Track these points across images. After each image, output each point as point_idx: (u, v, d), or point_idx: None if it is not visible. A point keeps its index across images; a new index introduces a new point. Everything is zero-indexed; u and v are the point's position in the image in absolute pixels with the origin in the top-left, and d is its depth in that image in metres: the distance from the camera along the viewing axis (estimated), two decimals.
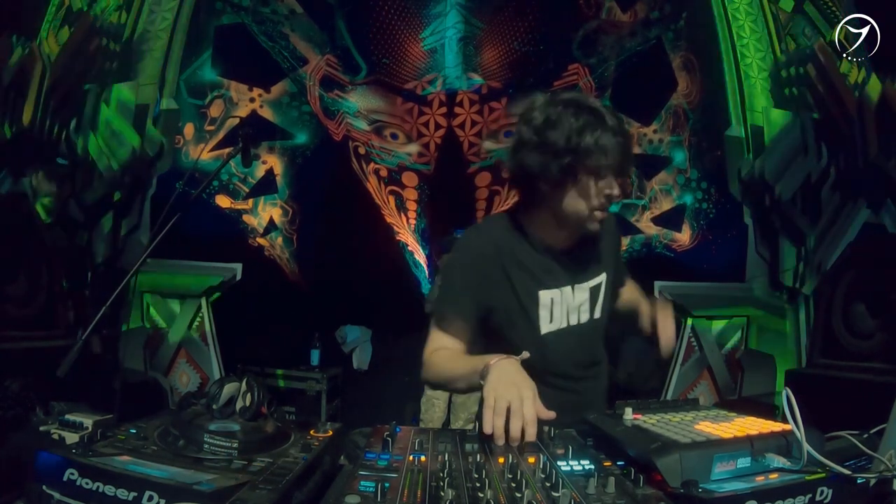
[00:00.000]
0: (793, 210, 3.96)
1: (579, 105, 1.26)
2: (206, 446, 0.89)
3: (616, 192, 1.26)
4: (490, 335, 1.39)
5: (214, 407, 0.96)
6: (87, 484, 0.74)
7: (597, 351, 1.49)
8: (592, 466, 0.89)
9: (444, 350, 1.32)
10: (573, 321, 1.39)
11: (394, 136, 5.16)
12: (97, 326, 1.59)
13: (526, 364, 1.16)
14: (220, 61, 4.48)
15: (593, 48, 4.87)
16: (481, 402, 1.08)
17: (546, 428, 1.09)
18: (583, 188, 1.24)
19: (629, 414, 1.07)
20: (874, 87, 3.48)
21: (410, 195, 5.29)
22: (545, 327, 1.37)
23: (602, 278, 1.43)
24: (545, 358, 1.34)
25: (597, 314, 1.43)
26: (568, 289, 1.38)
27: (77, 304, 2.60)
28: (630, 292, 1.64)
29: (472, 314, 1.34)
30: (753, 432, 0.92)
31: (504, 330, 1.37)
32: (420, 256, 5.29)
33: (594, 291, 1.42)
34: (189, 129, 4.41)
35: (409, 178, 5.26)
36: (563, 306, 1.37)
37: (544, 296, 1.35)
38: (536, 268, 1.36)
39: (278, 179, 4.83)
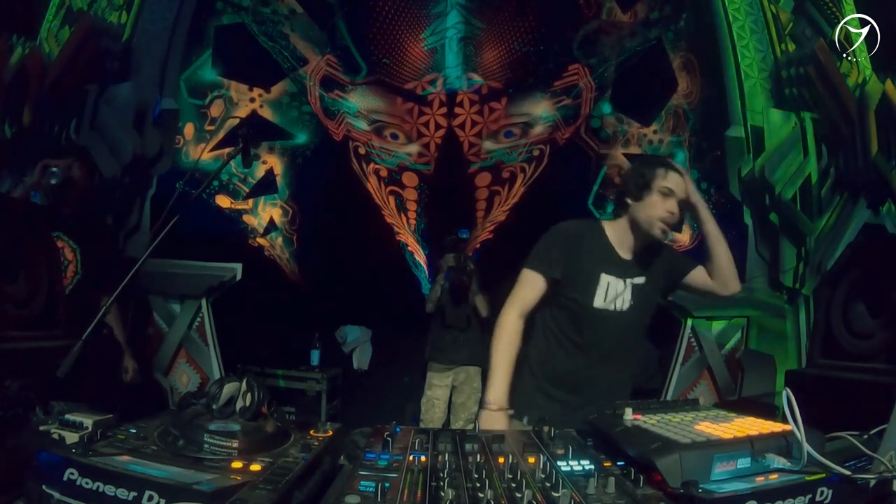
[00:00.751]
0: (793, 210, 3.96)
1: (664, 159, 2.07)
2: (206, 446, 0.89)
3: (675, 210, 1.74)
4: (559, 299, 1.80)
5: (214, 407, 0.96)
6: (87, 484, 0.74)
7: (630, 338, 1.86)
8: (592, 466, 0.90)
9: (511, 333, 1.77)
10: (618, 306, 1.79)
11: (394, 137, 5.16)
12: (97, 326, 1.59)
13: (576, 334, 1.79)
14: (220, 61, 4.48)
15: (593, 48, 4.87)
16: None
17: (546, 428, 1.09)
18: (652, 203, 1.74)
19: (629, 414, 1.07)
20: (874, 87, 3.48)
21: (410, 195, 5.29)
22: (598, 302, 1.77)
23: (642, 280, 1.81)
24: (593, 327, 1.78)
25: (634, 306, 1.80)
26: (622, 281, 1.79)
27: (77, 304, 2.60)
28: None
29: (551, 269, 1.80)
30: (753, 433, 0.92)
31: (568, 295, 1.78)
32: (420, 256, 5.29)
33: (635, 289, 1.80)
34: (189, 129, 4.41)
35: (409, 179, 5.26)
36: (614, 292, 1.78)
37: (604, 278, 1.78)
38: (605, 258, 1.80)
39: (278, 179, 4.83)
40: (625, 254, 1.83)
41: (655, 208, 1.73)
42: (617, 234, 1.84)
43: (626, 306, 1.80)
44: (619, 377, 1.84)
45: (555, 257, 1.80)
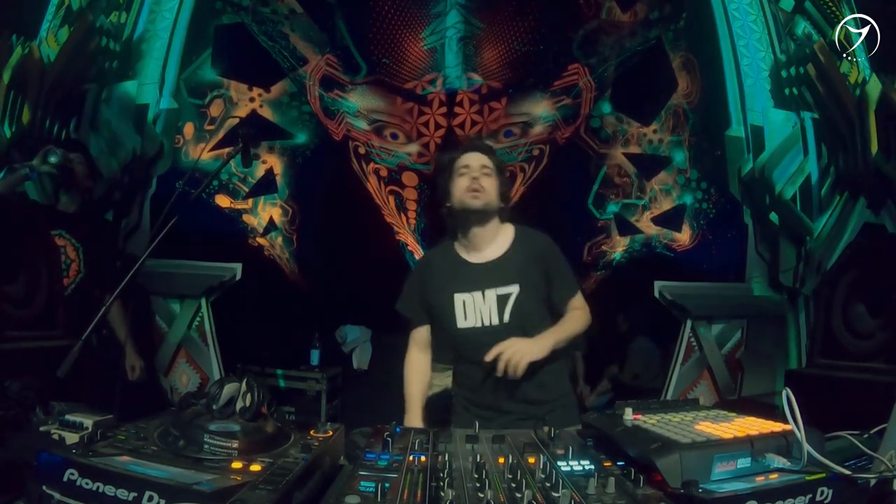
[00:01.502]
0: (793, 210, 3.96)
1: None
2: (206, 446, 0.89)
3: (477, 175, 1.73)
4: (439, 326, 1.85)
5: (214, 407, 0.96)
6: (87, 484, 0.74)
7: None
8: (592, 466, 0.90)
9: (415, 365, 1.94)
10: (486, 321, 1.74)
11: (394, 136, 5.16)
12: (97, 326, 1.58)
13: (451, 350, 1.88)
14: (220, 61, 4.47)
15: (593, 48, 4.86)
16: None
17: (546, 428, 1.09)
18: (456, 184, 1.77)
19: (629, 414, 1.07)
20: (874, 87, 3.48)
21: (410, 195, 5.29)
22: (461, 323, 1.77)
23: (512, 290, 1.73)
24: (463, 347, 1.79)
25: (506, 319, 1.73)
26: (479, 293, 1.75)
27: (80, 303, 2.60)
28: (566, 319, 1.80)
29: (419, 310, 1.88)
30: (753, 432, 0.92)
31: (440, 323, 1.83)
32: (420, 256, 5.29)
33: (502, 299, 1.73)
34: (189, 129, 4.40)
35: (409, 178, 5.26)
36: (475, 308, 1.75)
37: (458, 298, 1.77)
38: (454, 276, 1.79)
39: (278, 179, 4.83)
40: (475, 257, 1.80)
41: (459, 187, 1.75)
42: (460, 243, 1.83)
43: (495, 320, 1.72)
44: (531, 387, 1.71)
45: (408, 295, 1.89)
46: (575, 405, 1.86)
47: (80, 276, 2.68)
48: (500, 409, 1.71)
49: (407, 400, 1.88)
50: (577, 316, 1.78)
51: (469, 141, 1.93)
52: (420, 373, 1.92)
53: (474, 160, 1.77)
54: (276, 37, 4.65)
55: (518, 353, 1.56)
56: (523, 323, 1.71)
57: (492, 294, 1.73)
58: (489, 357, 1.58)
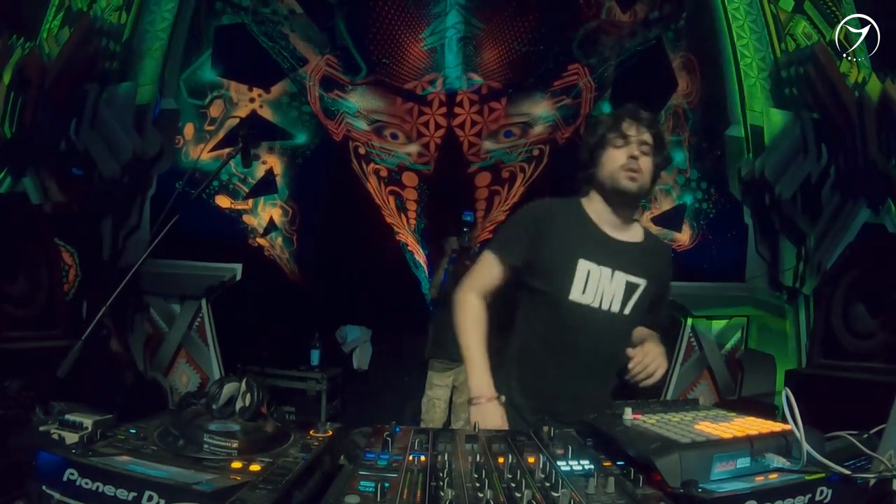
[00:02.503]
0: (793, 210, 3.96)
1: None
2: (206, 446, 0.89)
3: (636, 153, 1.51)
4: (531, 290, 1.56)
5: (214, 407, 0.96)
6: (87, 484, 0.74)
7: (616, 348, 1.53)
8: (592, 466, 0.90)
9: (474, 311, 1.58)
10: (605, 305, 1.51)
11: (394, 136, 5.16)
12: (97, 326, 1.59)
13: (548, 334, 1.53)
14: (220, 61, 4.48)
15: (593, 48, 4.86)
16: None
17: (546, 428, 1.09)
18: (609, 156, 1.54)
19: (629, 414, 1.07)
20: (874, 87, 3.47)
21: (410, 195, 5.29)
22: (576, 295, 1.50)
23: (641, 282, 1.55)
24: (562, 325, 1.51)
25: (626, 311, 1.53)
26: (608, 270, 1.52)
27: (77, 304, 2.60)
28: (647, 332, 1.65)
29: (510, 254, 1.57)
30: (753, 432, 0.92)
31: (540, 286, 1.53)
32: (420, 256, 5.28)
33: (630, 288, 1.53)
34: (189, 129, 4.41)
35: (409, 178, 5.26)
36: (599, 285, 1.50)
37: (583, 265, 1.50)
38: (585, 239, 1.54)
39: (278, 179, 4.83)
40: (611, 231, 1.58)
41: (613, 160, 1.53)
42: (594, 207, 1.60)
43: (615, 307, 1.52)
44: (598, 393, 1.54)
45: (515, 239, 1.57)
46: None
47: (79, 279, 2.68)
48: (555, 410, 1.43)
49: (469, 359, 1.53)
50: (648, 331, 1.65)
51: (632, 108, 1.60)
52: (480, 320, 1.57)
53: (636, 132, 1.53)
54: (276, 37, 4.65)
55: (661, 366, 1.44)
56: (636, 322, 1.56)
57: (622, 277, 1.52)
58: (634, 363, 1.42)
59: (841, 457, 0.91)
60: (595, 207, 1.60)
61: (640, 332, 1.64)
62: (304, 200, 4.91)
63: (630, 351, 1.48)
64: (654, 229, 4.84)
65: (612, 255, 1.53)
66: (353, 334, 4.96)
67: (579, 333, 1.51)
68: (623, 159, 1.51)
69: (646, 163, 1.53)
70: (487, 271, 1.59)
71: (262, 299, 4.30)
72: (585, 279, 1.50)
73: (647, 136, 1.54)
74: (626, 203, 1.57)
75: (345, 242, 4.79)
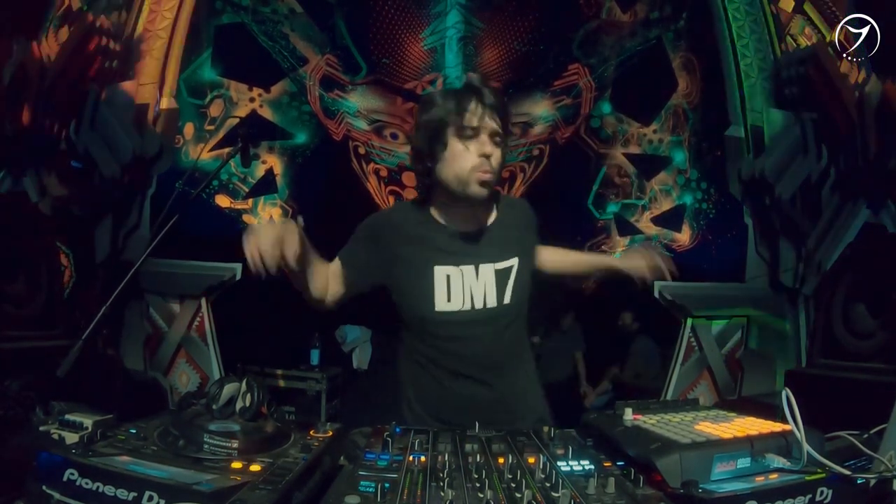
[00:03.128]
0: (793, 210, 3.96)
1: (447, 89, 1.41)
2: (206, 446, 0.89)
3: (488, 150, 1.28)
4: (399, 307, 1.43)
5: (214, 407, 0.96)
6: (87, 484, 0.74)
7: (511, 337, 1.41)
8: (592, 466, 0.90)
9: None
10: (478, 304, 1.35)
11: (394, 136, 5.16)
12: (97, 326, 1.59)
13: (426, 353, 1.37)
14: (220, 61, 4.48)
15: (593, 48, 4.86)
16: None
17: (546, 428, 1.09)
18: (454, 152, 1.29)
19: (629, 414, 1.07)
20: (874, 87, 3.47)
21: (410, 195, 5.29)
22: (441, 305, 1.35)
23: (512, 262, 1.39)
24: (435, 336, 1.37)
25: (507, 299, 1.37)
26: (470, 268, 1.36)
27: (77, 304, 2.60)
28: (554, 252, 1.59)
29: (354, 280, 1.44)
30: (753, 432, 0.92)
31: (403, 308, 1.41)
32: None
33: (502, 274, 1.38)
34: (189, 129, 4.41)
35: (410, 178, 5.26)
36: (465, 286, 1.35)
37: (439, 272, 1.35)
38: (434, 244, 1.37)
39: (278, 179, 4.83)
40: (459, 225, 1.39)
41: (460, 160, 1.29)
42: (442, 210, 1.40)
43: (491, 302, 1.36)
44: (508, 386, 1.39)
45: (352, 250, 1.44)
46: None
47: (73, 280, 2.68)
48: (461, 425, 1.15)
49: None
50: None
51: (475, 81, 1.31)
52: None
53: (485, 122, 1.28)
54: (276, 37, 4.65)
55: (654, 257, 1.40)
56: (522, 302, 1.41)
57: (489, 269, 1.37)
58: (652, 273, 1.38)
59: (841, 457, 0.91)
60: (437, 207, 1.41)
61: (551, 255, 1.58)
62: (304, 200, 4.91)
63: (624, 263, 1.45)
64: (654, 229, 4.84)
65: (468, 251, 1.37)
66: (353, 334, 4.96)
67: (459, 341, 1.36)
68: (473, 159, 1.28)
69: (497, 157, 1.31)
70: (333, 277, 1.45)
71: (262, 299, 4.29)
72: (447, 286, 1.35)
73: (496, 124, 1.29)
74: (475, 203, 1.36)
75: (345, 242, 4.78)
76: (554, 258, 1.59)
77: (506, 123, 1.33)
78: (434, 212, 1.42)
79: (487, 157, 1.28)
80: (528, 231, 1.50)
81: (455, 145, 1.29)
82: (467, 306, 1.35)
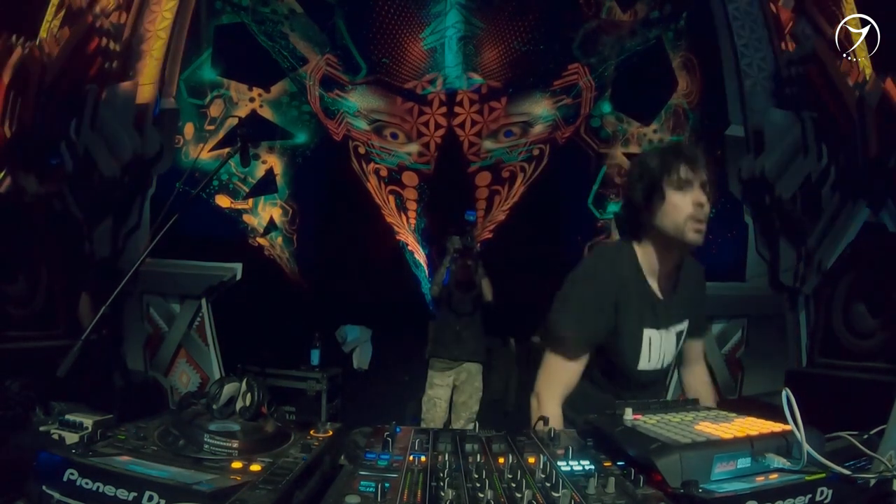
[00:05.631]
0: (793, 210, 3.96)
1: (663, 146, 1.54)
2: (206, 446, 0.89)
3: (702, 200, 1.37)
4: (599, 352, 1.45)
5: (214, 407, 0.96)
6: (87, 484, 0.74)
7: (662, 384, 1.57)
8: (592, 466, 0.90)
9: (556, 414, 1.39)
10: (666, 363, 1.48)
11: (394, 136, 5.16)
12: (97, 326, 1.58)
13: (611, 388, 1.47)
14: (220, 61, 4.48)
15: (593, 48, 4.86)
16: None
17: (546, 427, 1.09)
18: (672, 203, 1.37)
19: (629, 414, 1.07)
20: (874, 87, 3.47)
21: (410, 195, 5.29)
22: (643, 364, 1.44)
23: (685, 326, 1.51)
24: (636, 391, 1.46)
25: (670, 358, 1.50)
26: (664, 331, 1.46)
27: (77, 305, 2.60)
28: (699, 377, 1.68)
29: (597, 336, 1.41)
30: (753, 433, 0.92)
31: (609, 359, 1.45)
32: (420, 256, 5.28)
33: (678, 337, 1.50)
34: (189, 129, 4.41)
35: (409, 178, 5.26)
36: (660, 348, 1.45)
37: (647, 334, 1.43)
38: (644, 304, 1.43)
39: (278, 179, 4.83)
40: (662, 296, 1.47)
41: (678, 209, 1.36)
42: (646, 257, 1.45)
43: (668, 361, 1.49)
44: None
45: (589, 316, 1.39)
46: None
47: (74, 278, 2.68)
48: None
49: None
50: (706, 384, 1.66)
51: (685, 147, 1.43)
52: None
53: (699, 175, 1.37)
54: (276, 37, 4.65)
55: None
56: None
57: (673, 332, 1.48)
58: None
59: (841, 457, 0.91)
60: (647, 258, 1.46)
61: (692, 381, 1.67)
62: (304, 200, 4.92)
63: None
64: None
65: (664, 311, 1.46)
66: (353, 334, 4.96)
67: (641, 389, 1.48)
68: (689, 208, 1.36)
69: (708, 208, 1.38)
70: (564, 372, 1.42)
71: (262, 299, 4.30)
72: (649, 347, 1.44)
73: (706, 175, 1.39)
74: (683, 252, 1.46)
75: (345, 242, 4.79)
76: (689, 381, 1.69)
77: (711, 174, 1.41)
78: (642, 261, 1.46)
79: (702, 205, 1.37)
80: (698, 295, 1.58)
81: (672, 196, 1.38)
82: (658, 366, 1.47)
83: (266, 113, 4.75)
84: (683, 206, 1.36)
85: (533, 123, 5.16)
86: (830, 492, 0.82)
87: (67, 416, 0.97)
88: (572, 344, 1.41)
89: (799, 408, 0.86)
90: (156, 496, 0.70)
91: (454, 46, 4.89)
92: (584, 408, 1.40)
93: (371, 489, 0.76)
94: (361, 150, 5.16)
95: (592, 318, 1.39)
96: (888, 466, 0.88)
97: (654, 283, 1.46)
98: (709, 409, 1.18)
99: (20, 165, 3.32)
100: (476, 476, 0.85)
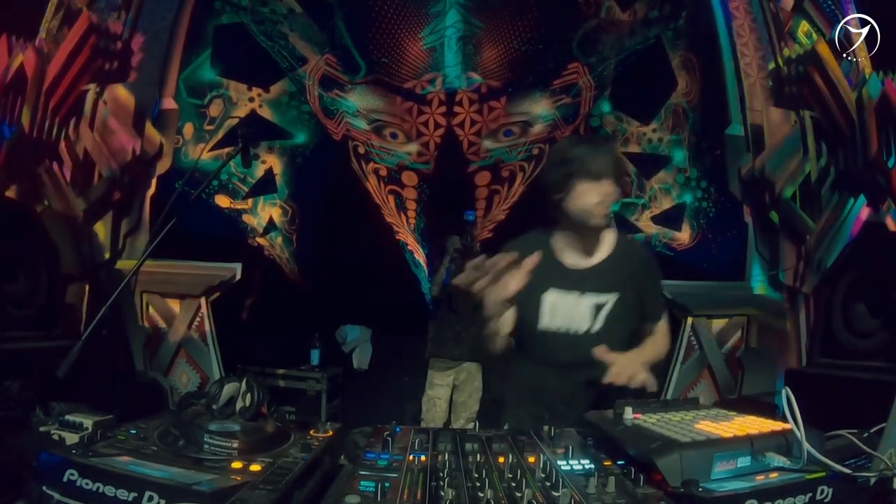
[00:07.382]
0: (793, 209, 3.96)
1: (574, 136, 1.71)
2: (206, 446, 0.89)
3: (610, 191, 1.56)
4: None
5: (214, 407, 0.96)
6: (87, 484, 0.74)
7: (589, 357, 1.56)
8: (592, 466, 0.90)
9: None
10: (576, 328, 1.62)
11: (393, 136, 5.16)
12: (97, 326, 1.58)
13: (525, 352, 1.69)
14: (220, 61, 4.47)
15: (593, 47, 4.86)
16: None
17: (546, 427, 1.09)
18: (581, 191, 1.55)
19: (629, 413, 1.07)
20: (874, 87, 3.47)
21: (410, 194, 5.29)
22: (545, 323, 1.63)
23: (609, 299, 1.63)
24: (540, 348, 1.66)
25: (595, 327, 1.63)
26: (574, 296, 1.63)
27: (77, 305, 2.59)
28: (651, 342, 1.71)
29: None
30: (753, 431, 0.92)
31: (519, 318, 1.62)
32: (420, 256, 5.28)
33: (597, 307, 1.62)
34: (188, 129, 4.40)
35: (409, 178, 5.26)
36: (567, 311, 1.62)
37: (549, 295, 1.62)
38: (550, 270, 1.62)
39: (278, 179, 4.83)
40: (574, 260, 1.66)
41: (585, 197, 1.55)
42: (561, 238, 1.67)
43: (582, 328, 1.62)
44: (589, 393, 1.61)
45: None
46: None
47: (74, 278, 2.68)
48: (556, 411, 1.57)
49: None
50: (659, 340, 1.72)
51: (597, 140, 1.70)
52: None
53: (607, 169, 1.55)
54: (276, 36, 4.65)
55: (632, 376, 1.47)
56: (610, 333, 1.63)
57: (589, 300, 1.62)
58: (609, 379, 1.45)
59: (841, 456, 0.91)
60: (559, 241, 1.67)
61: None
62: (304, 200, 4.91)
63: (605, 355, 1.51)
64: (654, 228, 4.84)
65: (576, 282, 1.63)
66: (353, 334, 4.96)
67: (553, 354, 1.64)
68: (596, 197, 1.55)
69: (614, 197, 1.59)
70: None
71: (262, 299, 4.30)
72: (551, 307, 1.62)
73: (616, 169, 1.60)
74: (594, 231, 1.64)
75: (345, 242, 4.79)
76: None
77: (619, 163, 1.64)
78: (556, 243, 1.68)
79: (609, 195, 1.56)
80: (637, 274, 1.68)
81: (581, 185, 1.56)
82: (564, 329, 1.63)
83: (265, 113, 4.75)
84: (591, 196, 1.55)
85: (532, 123, 5.16)
86: (831, 490, 0.82)
87: (67, 417, 0.97)
88: None
89: (799, 407, 0.86)
90: (156, 496, 0.70)
91: (453, 46, 4.89)
92: (523, 383, 1.72)
93: (371, 489, 0.76)
94: (361, 150, 5.15)
95: None
96: (888, 465, 0.88)
97: (564, 254, 1.66)
98: (709, 408, 1.18)
99: (20, 165, 3.32)
100: (476, 475, 0.85)
